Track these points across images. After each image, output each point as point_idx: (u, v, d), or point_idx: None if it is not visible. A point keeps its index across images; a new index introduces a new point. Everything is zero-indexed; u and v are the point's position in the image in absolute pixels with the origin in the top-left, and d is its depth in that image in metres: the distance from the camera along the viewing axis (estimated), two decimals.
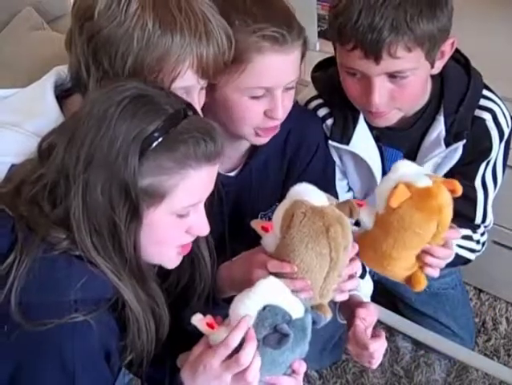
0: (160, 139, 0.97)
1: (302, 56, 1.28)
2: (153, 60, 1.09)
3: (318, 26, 2.23)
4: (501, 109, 1.43)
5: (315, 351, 1.67)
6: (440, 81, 1.42)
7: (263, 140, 1.33)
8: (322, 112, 1.47)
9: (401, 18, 1.22)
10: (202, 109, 1.31)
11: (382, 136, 1.46)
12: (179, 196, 0.99)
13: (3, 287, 0.97)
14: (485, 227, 1.54)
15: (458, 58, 1.44)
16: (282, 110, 1.27)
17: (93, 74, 1.13)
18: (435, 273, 1.18)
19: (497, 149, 1.44)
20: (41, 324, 0.94)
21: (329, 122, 1.46)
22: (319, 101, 1.48)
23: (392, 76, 1.29)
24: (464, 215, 1.45)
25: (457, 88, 1.41)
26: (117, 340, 1.04)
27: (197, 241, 1.12)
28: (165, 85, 1.11)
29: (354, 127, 1.44)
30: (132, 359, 1.08)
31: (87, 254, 0.99)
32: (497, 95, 1.44)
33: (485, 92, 1.43)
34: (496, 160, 1.47)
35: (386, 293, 1.88)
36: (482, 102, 1.42)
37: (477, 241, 1.51)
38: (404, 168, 1.12)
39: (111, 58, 1.10)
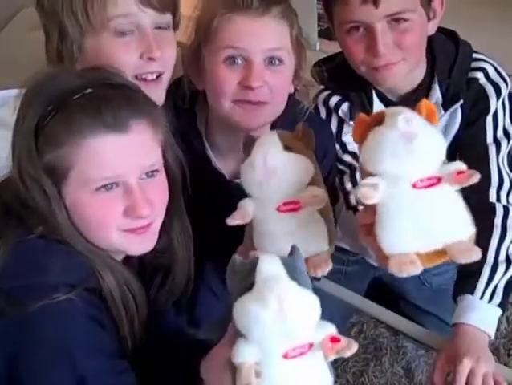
0: (52, 114, 1.00)
1: (296, 38, 1.28)
2: None
3: (319, 26, 2.24)
4: (494, 66, 1.45)
5: None
6: (430, 52, 1.44)
7: (247, 120, 1.28)
8: (334, 101, 1.46)
9: None
10: (203, 100, 1.32)
11: None
12: (83, 166, 1.00)
13: None
14: (508, 194, 1.46)
15: (444, 32, 1.47)
16: (262, 83, 1.24)
17: (51, 35, 1.17)
18: None
19: (496, 102, 1.44)
20: (23, 307, 0.94)
21: (345, 106, 1.45)
22: (328, 92, 1.47)
23: (393, 21, 1.30)
24: (480, 178, 1.43)
25: (447, 54, 1.44)
26: (107, 317, 1.04)
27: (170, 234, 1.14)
28: (101, 17, 1.12)
29: (371, 105, 1.45)
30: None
31: (62, 237, 1.02)
32: (489, 58, 1.46)
33: (476, 55, 1.46)
34: (504, 116, 1.46)
35: (387, 291, 1.88)
36: (474, 64, 1.44)
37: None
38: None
39: (53, 7, 1.14)
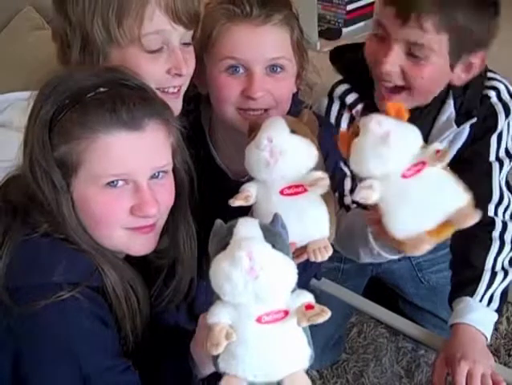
0: (68, 108, 1.00)
1: (297, 42, 1.27)
2: (116, 5, 1.10)
3: (319, 26, 2.25)
4: (506, 85, 1.45)
5: (316, 351, 1.67)
6: None
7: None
8: (350, 99, 1.44)
9: None
10: (206, 101, 1.32)
11: None
12: (94, 161, 1.00)
13: None
14: (506, 210, 1.49)
15: None
16: (264, 92, 1.23)
17: (73, 43, 1.15)
18: None
19: (504, 122, 1.45)
20: (29, 306, 0.95)
21: (359, 107, 1.44)
22: (346, 86, 1.45)
23: (410, 52, 1.28)
24: (481, 193, 1.41)
25: None
26: (110, 315, 1.04)
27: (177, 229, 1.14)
28: (135, 33, 1.12)
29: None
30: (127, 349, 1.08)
31: (66, 234, 1.02)
32: (502, 77, 1.46)
33: (490, 74, 1.45)
34: (508, 135, 1.47)
35: (385, 290, 1.88)
36: (487, 82, 1.44)
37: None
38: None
39: (80, 17, 1.12)
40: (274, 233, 0.93)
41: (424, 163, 1.01)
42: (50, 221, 1.02)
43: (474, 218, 0.99)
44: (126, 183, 1.03)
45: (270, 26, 1.23)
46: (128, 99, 1.02)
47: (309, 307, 0.91)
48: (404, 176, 1.01)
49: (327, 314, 0.90)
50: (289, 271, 0.90)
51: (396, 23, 1.27)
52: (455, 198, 1.01)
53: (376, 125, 1.00)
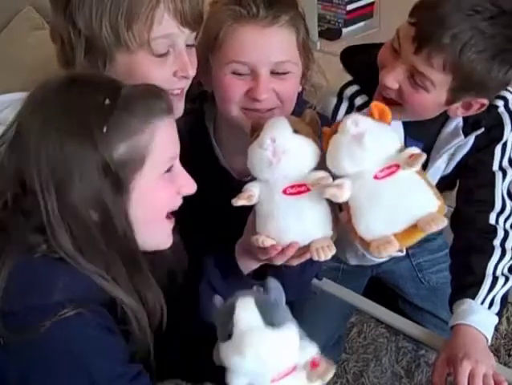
0: (115, 105, 0.97)
1: (302, 43, 1.26)
2: (125, 9, 1.09)
3: (319, 26, 2.25)
4: None
5: None
6: None
7: None
8: (359, 100, 1.44)
9: (469, 43, 1.22)
10: (211, 100, 1.32)
11: (406, 128, 1.45)
12: (157, 151, 1.00)
13: None
14: (507, 219, 1.50)
15: None
16: (269, 94, 1.23)
17: (77, 45, 1.14)
18: None
19: (510, 132, 1.45)
20: (34, 329, 0.92)
21: (366, 111, 1.44)
22: (356, 88, 1.45)
23: (413, 78, 1.29)
24: (484, 201, 1.46)
25: None
26: (115, 324, 1.02)
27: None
28: (144, 37, 1.11)
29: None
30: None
31: (69, 257, 0.98)
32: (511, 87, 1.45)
33: None
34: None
35: (385, 290, 1.89)
36: None
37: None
38: None
39: (87, 20, 1.11)
40: (270, 309, 0.94)
41: (397, 165, 1.02)
42: (48, 242, 0.98)
43: (439, 224, 0.99)
44: (173, 166, 1.04)
45: (277, 27, 1.22)
46: (158, 88, 1.04)
47: (314, 365, 0.95)
48: (376, 178, 1.02)
49: (332, 371, 0.95)
50: (292, 344, 0.93)
51: (410, 47, 1.27)
52: (425, 203, 1.02)
53: (352, 125, 1.02)
